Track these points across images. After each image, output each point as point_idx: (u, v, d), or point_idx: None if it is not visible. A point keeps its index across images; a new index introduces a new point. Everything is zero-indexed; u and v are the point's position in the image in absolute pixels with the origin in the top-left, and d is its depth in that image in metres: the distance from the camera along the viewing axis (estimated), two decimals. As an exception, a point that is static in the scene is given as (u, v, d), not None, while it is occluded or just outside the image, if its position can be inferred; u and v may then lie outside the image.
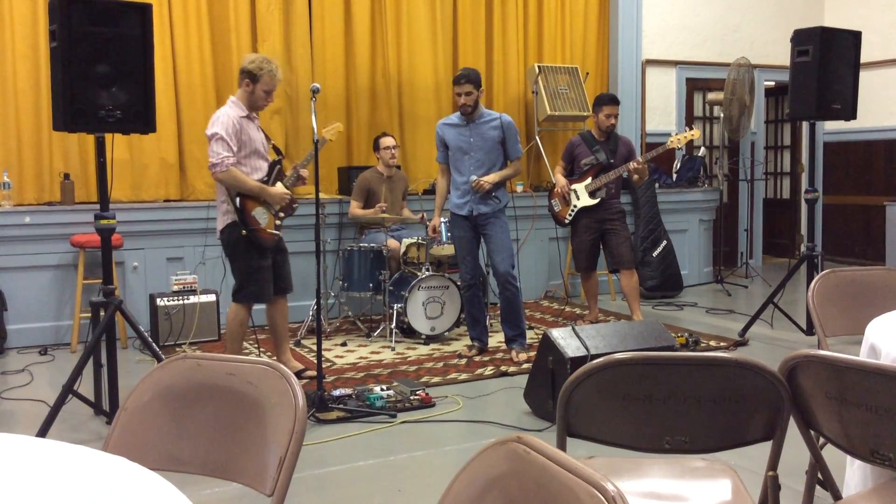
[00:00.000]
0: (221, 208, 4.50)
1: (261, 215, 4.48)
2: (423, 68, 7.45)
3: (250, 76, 4.44)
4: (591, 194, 5.94)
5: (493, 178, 5.18)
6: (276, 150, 4.74)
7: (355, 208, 6.36)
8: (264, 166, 4.56)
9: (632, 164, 5.78)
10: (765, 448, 1.89)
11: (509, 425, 4.09)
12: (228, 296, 6.28)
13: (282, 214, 4.60)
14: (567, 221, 6.11)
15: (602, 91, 7.96)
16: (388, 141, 6.45)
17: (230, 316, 4.63)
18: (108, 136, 3.99)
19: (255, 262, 4.51)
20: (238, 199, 4.41)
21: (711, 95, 8.67)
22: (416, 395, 4.43)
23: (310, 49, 7.02)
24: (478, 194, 5.19)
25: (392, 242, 6.04)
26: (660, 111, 8.75)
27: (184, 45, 6.57)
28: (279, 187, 4.56)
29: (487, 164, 5.23)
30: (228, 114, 4.40)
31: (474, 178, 5.18)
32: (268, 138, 4.68)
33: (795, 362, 1.82)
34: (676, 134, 6.03)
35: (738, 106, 8.17)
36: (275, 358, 4.90)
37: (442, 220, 5.84)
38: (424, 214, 6.08)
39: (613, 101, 6.02)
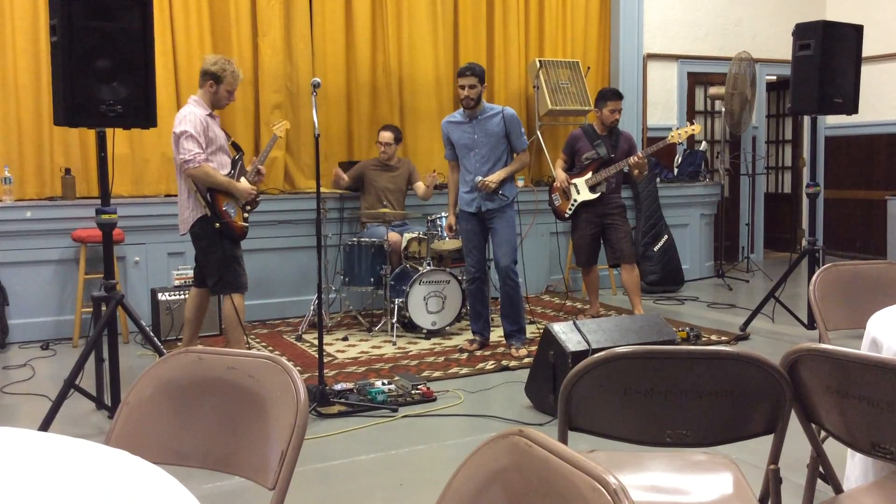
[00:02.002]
0: (187, 205, 4.58)
1: (231, 208, 4.63)
2: (423, 63, 7.43)
3: (214, 77, 4.58)
4: (592, 189, 5.93)
5: (498, 176, 5.18)
6: (236, 146, 4.88)
7: (342, 173, 6.40)
8: (228, 162, 4.70)
9: (632, 159, 5.78)
10: (766, 442, 1.89)
11: (510, 419, 4.10)
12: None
13: (248, 208, 4.76)
14: (567, 216, 6.10)
15: (603, 85, 7.95)
16: (383, 136, 6.42)
17: (226, 310, 4.70)
18: (108, 131, 4.00)
19: (230, 252, 4.63)
20: (208, 194, 4.53)
21: (713, 90, 8.65)
22: (417, 389, 4.44)
23: (310, 43, 7.00)
24: (485, 192, 5.20)
25: (393, 237, 6.04)
26: (661, 106, 8.74)
27: (184, 40, 6.56)
28: (244, 182, 4.70)
29: (493, 159, 5.23)
30: (195, 112, 4.51)
31: (479, 178, 5.19)
32: (227, 136, 4.79)
33: (797, 356, 1.82)
34: (678, 128, 6.02)
35: (739, 100, 8.16)
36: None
37: (443, 214, 5.85)
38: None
39: (617, 95, 5.99)
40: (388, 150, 6.40)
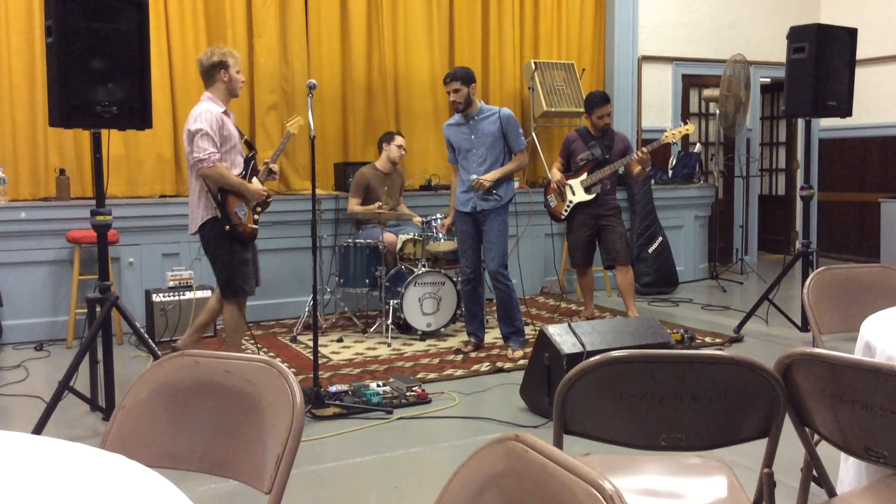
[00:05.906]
0: (197, 204, 4.51)
1: (241, 210, 4.56)
2: (419, 64, 7.44)
3: (223, 65, 4.53)
4: (587, 190, 5.94)
5: (493, 175, 5.19)
6: (249, 144, 4.81)
7: (354, 205, 6.34)
8: (241, 161, 4.63)
9: (637, 154, 5.75)
10: (760, 445, 1.89)
11: (505, 422, 4.10)
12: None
13: (259, 209, 4.69)
14: (563, 217, 6.11)
15: (598, 87, 7.97)
16: (402, 140, 6.49)
17: (226, 315, 4.66)
18: (104, 132, 3.99)
19: (239, 255, 4.58)
20: (219, 195, 4.47)
21: (707, 92, 8.67)
22: (412, 391, 4.44)
23: (306, 45, 7.01)
24: (480, 191, 5.20)
25: (388, 238, 6.04)
26: (656, 108, 8.76)
27: (180, 41, 6.56)
28: (256, 183, 4.64)
29: (490, 160, 5.24)
30: (210, 109, 4.43)
31: (474, 176, 5.20)
32: (240, 133, 4.71)
33: (791, 360, 1.82)
34: (672, 129, 6.03)
35: (733, 102, 8.18)
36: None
37: (439, 216, 5.85)
38: (422, 219, 6.05)
39: (604, 101, 5.99)
40: (404, 153, 6.51)
